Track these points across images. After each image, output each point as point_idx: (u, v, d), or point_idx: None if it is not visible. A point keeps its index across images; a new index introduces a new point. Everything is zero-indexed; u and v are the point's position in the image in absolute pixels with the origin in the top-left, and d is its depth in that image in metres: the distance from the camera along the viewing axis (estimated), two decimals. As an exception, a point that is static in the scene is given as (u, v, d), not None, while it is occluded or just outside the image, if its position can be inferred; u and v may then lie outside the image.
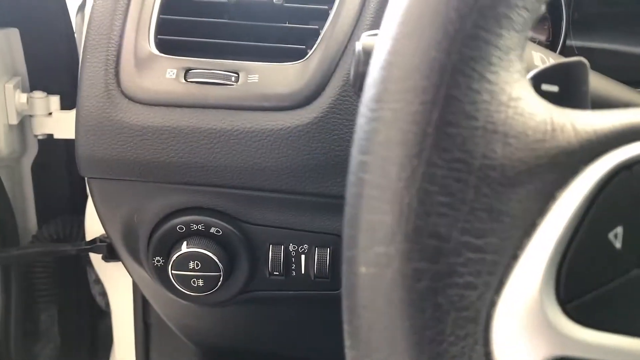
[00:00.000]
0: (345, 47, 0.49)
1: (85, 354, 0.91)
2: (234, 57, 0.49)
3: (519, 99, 0.22)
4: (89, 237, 0.77)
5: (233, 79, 0.48)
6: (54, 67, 0.77)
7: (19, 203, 0.81)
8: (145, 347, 0.78)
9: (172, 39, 0.50)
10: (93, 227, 0.77)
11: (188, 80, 0.48)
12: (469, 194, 0.21)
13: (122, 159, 0.48)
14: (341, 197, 0.45)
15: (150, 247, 0.50)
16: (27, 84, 0.76)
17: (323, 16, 0.51)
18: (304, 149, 0.48)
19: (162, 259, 0.50)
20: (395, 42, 0.22)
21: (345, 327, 0.22)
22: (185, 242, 0.49)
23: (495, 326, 0.21)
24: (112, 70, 0.48)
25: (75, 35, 0.79)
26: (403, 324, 0.21)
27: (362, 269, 0.21)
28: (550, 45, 0.60)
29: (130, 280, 0.77)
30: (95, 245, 0.75)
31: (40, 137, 0.76)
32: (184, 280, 0.49)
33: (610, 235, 0.21)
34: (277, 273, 0.51)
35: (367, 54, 0.33)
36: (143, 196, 0.50)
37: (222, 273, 0.49)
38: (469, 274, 0.21)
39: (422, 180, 0.21)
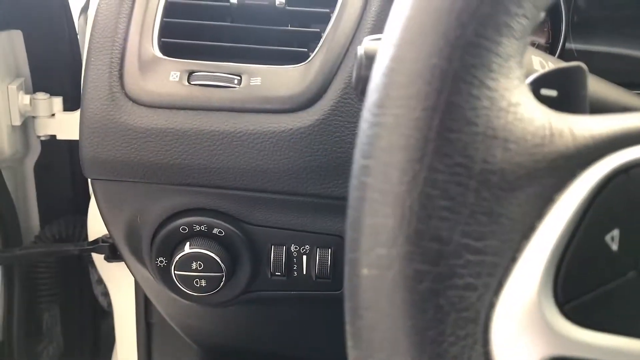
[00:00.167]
0: (347, 50, 0.49)
1: (87, 353, 0.92)
2: (237, 60, 0.50)
3: (518, 104, 0.22)
4: (91, 237, 0.78)
5: (236, 81, 0.49)
6: (56, 69, 0.77)
7: (21, 203, 0.82)
8: (147, 347, 0.79)
9: (175, 41, 0.51)
10: (95, 227, 0.77)
11: (191, 82, 0.49)
12: (470, 197, 0.21)
13: (125, 161, 0.48)
14: (343, 199, 0.46)
15: (153, 248, 0.51)
16: (30, 85, 0.77)
17: (325, 19, 0.51)
18: (306, 150, 0.48)
19: (165, 260, 0.51)
20: (397, 49, 0.22)
21: (348, 328, 0.23)
22: (188, 243, 0.50)
23: (494, 327, 0.22)
24: (116, 73, 0.49)
25: (78, 36, 0.80)
26: (404, 324, 0.21)
27: (365, 271, 0.22)
28: (550, 47, 0.61)
29: (132, 280, 0.78)
30: (98, 245, 0.76)
31: (43, 138, 0.77)
32: (187, 281, 0.50)
33: (607, 238, 0.22)
34: (279, 274, 0.52)
35: (369, 57, 0.34)
36: (146, 197, 0.50)
37: (224, 273, 0.50)
38: (469, 275, 0.21)
39: (423, 184, 0.21)
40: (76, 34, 0.79)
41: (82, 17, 0.80)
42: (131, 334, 0.79)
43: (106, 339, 0.90)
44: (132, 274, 0.59)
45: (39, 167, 0.82)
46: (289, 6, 0.53)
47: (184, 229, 0.50)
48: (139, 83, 0.49)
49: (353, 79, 0.35)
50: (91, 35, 0.50)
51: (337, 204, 0.50)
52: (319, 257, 0.51)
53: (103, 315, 0.90)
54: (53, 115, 0.76)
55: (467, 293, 0.21)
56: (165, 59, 0.49)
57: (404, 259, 0.21)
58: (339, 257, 0.51)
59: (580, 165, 0.22)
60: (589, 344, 0.21)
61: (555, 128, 0.22)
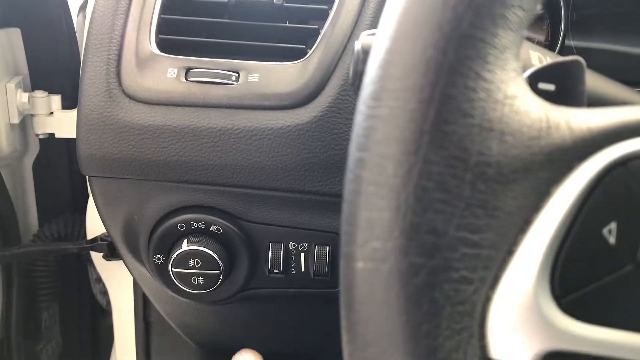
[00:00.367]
0: (345, 46, 0.49)
1: (86, 352, 0.91)
2: (235, 57, 0.50)
3: (514, 97, 0.22)
4: (90, 236, 0.78)
5: (233, 78, 0.48)
6: (55, 67, 0.77)
7: (20, 202, 0.82)
8: (145, 346, 0.78)
9: (173, 38, 0.51)
10: (94, 226, 0.77)
11: (189, 79, 0.48)
12: (465, 190, 0.21)
13: (123, 158, 0.48)
14: (340, 196, 0.45)
15: (150, 245, 0.51)
16: (29, 83, 0.77)
17: (323, 16, 0.51)
18: (304, 147, 0.48)
19: (162, 257, 0.51)
20: (392, 41, 0.22)
21: (343, 322, 0.22)
22: (185, 240, 0.49)
23: (490, 320, 0.22)
24: (114, 70, 0.49)
25: (77, 35, 0.80)
26: (399, 318, 0.21)
27: (360, 265, 0.22)
28: (549, 45, 0.61)
29: (131, 279, 0.78)
30: (97, 244, 0.76)
31: (41, 137, 0.77)
32: (185, 278, 0.50)
33: (605, 231, 0.22)
34: (277, 271, 0.52)
35: (366, 53, 0.33)
36: (144, 194, 0.50)
37: (222, 271, 0.49)
38: (465, 269, 0.21)
39: (418, 176, 0.21)
40: (75, 32, 0.79)
41: (80, 15, 0.80)
42: (130, 333, 0.79)
43: (105, 338, 0.89)
44: (130, 272, 0.59)
45: (37, 166, 0.82)
46: (286, 3, 0.53)
47: (182, 226, 0.50)
48: (136, 80, 0.48)
49: (350, 75, 0.35)
50: (88, 32, 0.50)
51: (335, 201, 0.50)
52: (317, 255, 0.51)
53: (102, 314, 0.89)
54: (51, 113, 0.75)
55: (462, 286, 0.21)
56: (162, 56, 0.49)
57: (399, 252, 0.21)
58: (337, 254, 0.51)
59: (577, 158, 0.22)
60: (586, 338, 0.21)
61: (552, 120, 0.22)
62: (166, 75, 0.48)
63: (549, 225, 0.22)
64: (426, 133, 0.21)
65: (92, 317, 0.91)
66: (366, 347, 0.21)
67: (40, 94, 0.74)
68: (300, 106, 0.48)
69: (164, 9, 0.51)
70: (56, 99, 0.75)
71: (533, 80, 0.26)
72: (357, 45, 0.34)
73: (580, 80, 0.28)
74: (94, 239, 0.76)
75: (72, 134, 0.72)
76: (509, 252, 0.22)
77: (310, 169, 0.48)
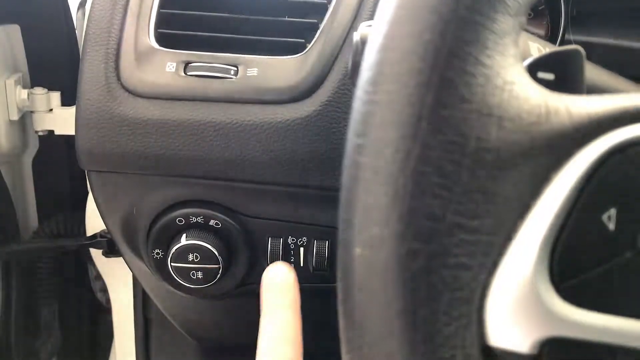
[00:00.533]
0: (344, 40, 0.49)
1: (86, 349, 0.91)
2: (234, 51, 0.50)
3: (513, 82, 0.22)
4: (89, 233, 0.78)
5: (232, 72, 0.48)
6: (54, 64, 0.77)
7: (19, 199, 0.82)
8: (145, 343, 0.78)
9: (172, 32, 0.50)
10: (94, 223, 0.77)
11: (188, 73, 0.48)
12: (464, 175, 0.21)
13: (121, 152, 0.48)
14: (340, 190, 0.45)
15: (149, 240, 0.51)
16: (28, 80, 0.77)
17: (322, 10, 0.51)
18: (303, 142, 0.48)
19: (161, 252, 0.50)
20: (390, 26, 0.22)
21: (340, 308, 0.22)
22: (184, 235, 0.49)
23: (489, 307, 0.21)
24: (112, 64, 0.49)
25: (76, 31, 0.80)
26: (397, 304, 0.21)
27: (357, 251, 0.21)
28: (549, 41, 0.61)
29: (130, 275, 0.78)
30: (96, 240, 0.76)
31: (40, 134, 0.76)
32: (183, 273, 0.50)
33: (604, 217, 0.21)
34: (276, 266, 0.51)
35: (365, 44, 0.33)
36: (142, 189, 0.50)
37: (221, 265, 0.49)
38: (463, 254, 0.21)
39: (416, 161, 0.21)
40: (74, 29, 0.79)
41: (80, 11, 0.79)
42: (129, 330, 0.79)
43: (105, 335, 0.89)
44: (129, 267, 0.59)
45: (37, 163, 0.82)
46: (286, -3, 0.53)
47: (181, 221, 0.50)
48: (135, 74, 0.48)
49: (349, 66, 0.35)
50: (87, 26, 0.50)
51: (334, 196, 0.49)
52: (316, 249, 0.51)
53: (101, 311, 0.89)
54: (51, 110, 0.75)
55: (461, 272, 0.21)
56: (161, 50, 0.49)
57: (396, 238, 0.21)
58: (336, 249, 0.51)
59: (577, 144, 0.22)
60: (585, 325, 0.21)
61: (552, 107, 0.22)
62: (165, 69, 0.48)
63: (548, 211, 0.21)
64: (424, 118, 0.21)
65: (91, 314, 0.91)
66: (363, 334, 0.21)
67: (39, 90, 0.74)
68: (299, 100, 0.48)
69: (162, 3, 0.51)
70: (55, 96, 0.75)
71: (532, 70, 0.26)
72: (356, 37, 0.34)
73: (579, 69, 0.28)
74: (94, 236, 0.76)
75: (72, 131, 0.71)
76: (508, 238, 0.21)
77: (309, 163, 0.48)
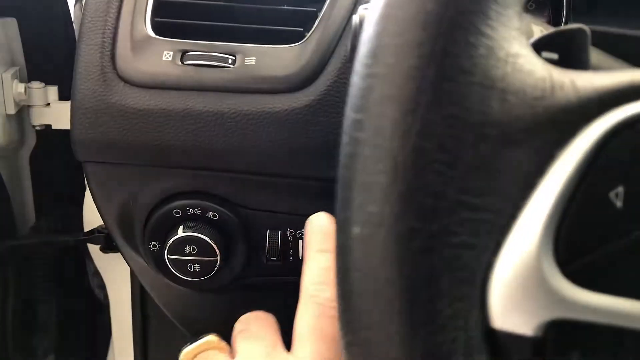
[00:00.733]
0: (344, 29, 0.48)
1: (83, 346, 0.91)
2: (231, 40, 0.49)
3: (517, 55, 0.21)
4: (87, 228, 0.77)
5: (230, 61, 0.48)
6: (52, 58, 0.77)
7: (16, 194, 0.81)
8: (143, 339, 0.78)
9: (168, 21, 0.50)
10: (91, 218, 0.76)
11: (184, 62, 0.47)
12: (466, 151, 0.20)
13: (117, 142, 0.47)
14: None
15: (146, 232, 0.50)
16: (25, 74, 0.76)
17: (321, -2, 0.50)
18: (302, 132, 0.47)
19: (158, 244, 0.50)
20: (390, -3, 0.21)
21: (337, 290, 0.21)
22: (181, 227, 0.48)
23: (492, 288, 0.21)
24: (108, 53, 0.48)
25: (74, 25, 0.79)
26: (396, 285, 0.20)
27: (355, 230, 0.21)
28: (552, 31, 0.60)
29: (128, 272, 0.77)
30: (94, 236, 0.75)
31: (38, 128, 0.76)
32: (180, 265, 0.49)
33: (611, 195, 0.21)
34: (275, 258, 0.51)
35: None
36: (139, 180, 0.49)
37: (218, 258, 0.49)
38: (465, 233, 0.20)
39: (417, 137, 0.20)
40: (72, 23, 0.78)
41: (77, 5, 0.79)
42: (127, 326, 0.78)
43: (102, 331, 0.89)
44: (126, 261, 0.58)
45: (34, 158, 0.81)
46: (284, -15, 0.52)
47: (177, 213, 0.49)
48: (131, 63, 0.48)
49: (348, 50, 0.34)
50: (83, 15, 0.49)
51: (334, 187, 0.49)
52: (315, 242, 0.50)
53: (99, 308, 0.89)
54: (48, 104, 0.75)
55: (463, 252, 0.20)
56: (158, 39, 0.48)
57: (396, 216, 0.20)
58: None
59: (583, 120, 0.21)
60: (591, 306, 0.20)
61: (557, 81, 0.21)
62: (162, 58, 0.48)
63: (553, 189, 0.21)
64: (425, 91, 0.20)
65: (89, 310, 0.90)
66: (362, 316, 0.20)
67: (36, 84, 0.74)
68: (298, 90, 0.47)
69: (159, -8, 0.50)
70: (53, 90, 0.74)
71: (536, 49, 0.25)
72: (355, 19, 0.33)
73: (584, 48, 0.27)
74: (91, 231, 0.75)
75: (69, 126, 0.71)
76: (512, 217, 0.21)
77: (308, 154, 0.48)
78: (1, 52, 0.72)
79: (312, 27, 0.49)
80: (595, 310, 0.20)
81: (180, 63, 0.47)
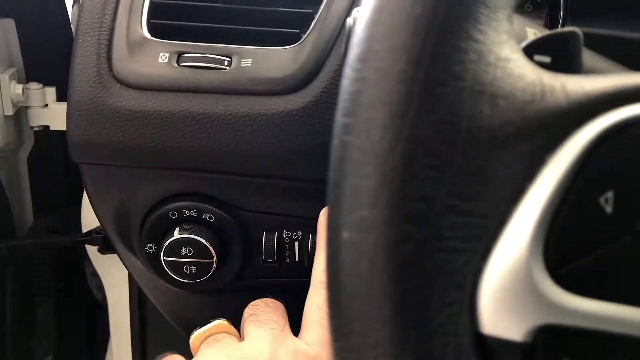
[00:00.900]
0: (340, 31, 0.48)
1: (82, 348, 0.91)
2: (228, 42, 0.49)
3: (507, 59, 0.21)
4: (85, 229, 0.77)
5: (226, 63, 0.48)
6: (50, 59, 0.77)
7: (15, 195, 0.81)
8: (141, 340, 0.78)
9: (165, 23, 0.50)
10: (90, 219, 0.76)
11: (181, 64, 0.47)
12: (456, 156, 0.20)
13: (113, 144, 0.47)
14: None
15: (142, 234, 0.50)
16: (23, 75, 0.76)
17: (317, 0, 0.50)
18: (298, 133, 0.47)
19: (154, 246, 0.50)
20: (380, 0, 0.21)
21: (327, 295, 0.21)
22: (177, 229, 0.48)
23: (482, 293, 0.21)
24: (104, 55, 0.48)
25: (72, 26, 0.79)
26: (386, 289, 0.20)
27: (345, 234, 0.21)
28: (549, 33, 0.60)
29: (126, 273, 0.77)
30: (92, 237, 0.75)
31: (36, 129, 0.76)
32: (177, 267, 0.49)
33: (601, 200, 0.21)
34: (271, 260, 0.51)
35: (358, 29, 0.32)
36: (135, 182, 0.49)
37: (215, 260, 0.49)
38: (455, 238, 0.20)
39: (406, 141, 0.20)
40: (70, 24, 0.79)
41: (75, 6, 0.79)
42: (125, 327, 0.78)
43: (101, 333, 0.89)
44: (123, 263, 0.58)
45: (32, 159, 0.81)
46: (281, -13, 0.52)
47: (174, 214, 0.49)
48: (127, 65, 0.48)
49: (342, 52, 0.34)
50: (79, 16, 0.49)
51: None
52: (312, 244, 0.50)
53: (98, 309, 0.89)
54: (46, 105, 0.75)
55: (453, 257, 0.20)
56: (154, 41, 0.48)
57: (386, 221, 0.20)
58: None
59: (573, 124, 0.21)
60: (581, 312, 0.20)
61: (547, 85, 0.21)
62: (158, 60, 0.48)
63: (543, 193, 0.21)
64: (415, 95, 0.20)
65: (88, 311, 0.90)
66: (352, 321, 0.20)
67: (34, 85, 0.73)
68: (294, 91, 0.47)
69: (155, -6, 0.50)
70: (51, 91, 0.74)
71: (528, 52, 0.25)
72: (349, 21, 0.33)
73: (577, 51, 0.27)
74: (89, 232, 0.75)
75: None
76: (501, 222, 0.21)
77: (304, 156, 0.48)
78: (-1, 53, 0.73)
79: (308, 29, 0.49)
80: (585, 315, 0.20)
81: (176, 65, 0.47)
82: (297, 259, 0.51)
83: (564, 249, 0.20)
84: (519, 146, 0.21)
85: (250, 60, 0.48)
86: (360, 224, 0.20)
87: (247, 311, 0.46)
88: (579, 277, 0.20)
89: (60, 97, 0.75)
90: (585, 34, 0.54)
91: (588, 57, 0.34)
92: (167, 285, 0.52)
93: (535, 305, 0.20)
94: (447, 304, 0.20)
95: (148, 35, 0.48)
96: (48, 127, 0.75)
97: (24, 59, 0.76)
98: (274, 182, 0.49)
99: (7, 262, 0.79)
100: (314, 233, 0.50)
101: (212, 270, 0.49)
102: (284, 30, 0.50)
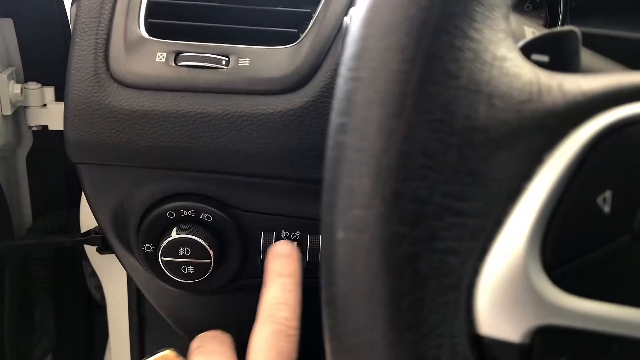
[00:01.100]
0: (338, 30, 0.48)
1: (81, 347, 0.90)
2: (225, 41, 0.49)
3: (504, 58, 0.21)
4: (84, 229, 0.77)
5: (224, 62, 0.47)
6: (48, 58, 0.76)
7: (13, 195, 0.81)
8: (140, 340, 0.77)
9: (162, 22, 0.50)
10: (88, 219, 0.76)
11: (178, 64, 0.47)
12: (451, 156, 0.20)
13: (111, 144, 0.47)
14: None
15: (140, 234, 0.50)
16: (22, 74, 0.76)
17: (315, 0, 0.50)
18: (296, 133, 0.47)
19: (152, 246, 0.49)
20: (374, 0, 0.21)
21: (322, 295, 0.21)
22: (175, 229, 0.48)
23: (478, 294, 0.20)
24: (102, 54, 0.48)
25: (71, 26, 0.79)
26: (381, 290, 0.20)
27: (340, 234, 0.20)
28: (548, 32, 0.59)
29: (125, 273, 0.77)
30: (90, 237, 0.75)
31: (34, 129, 0.76)
32: (174, 267, 0.49)
33: (599, 200, 0.20)
34: (269, 260, 0.50)
35: (355, 28, 0.32)
36: (133, 182, 0.49)
37: (212, 260, 0.48)
38: (451, 238, 0.20)
39: (401, 141, 0.20)
40: (69, 23, 0.78)
41: (74, 6, 0.78)
42: (124, 327, 0.78)
43: (100, 333, 0.88)
44: (121, 263, 0.58)
45: (31, 159, 0.81)
46: (279, -14, 0.52)
47: (171, 214, 0.49)
48: (124, 64, 0.47)
49: (339, 51, 0.34)
50: (76, 16, 0.49)
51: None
52: (310, 244, 0.50)
53: (97, 309, 0.89)
54: (45, 105, 0.75)
55: (448, 257, 0.20)
56: (151, 40, 0.48)
57: (380, 221, 0.20)
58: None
59: (570, 124, 0.21)
60: (579, 313, 0.20)
61: (544, 84, 0.21)
62: (155, 59, 0.47)
63: (540, 194, 0.20)
64: (410, 95, 0.20)
65: (86, 311, 0.90)
66: (346, 321, 0.20)
67: (33, 85, 0.73)
68: (292, 91, 0.47)
69: (153, -7, 0.50)
70: (49, 91, 0.74)
71: (526, 52, 0.25)
72: (347, 20, 0.33)
73: (575, 50, 0.27)
74: (88, 232, 0.75)
75: (64, 126, 0.71)
76: (498, 222, 0.20)
77: (302, 155, 0.47)
78: (-3, 52, 0.72)
79: (306, 28, 0.49)
80: (582, 316, 0.20)
81: (173, 64, 0.47)
82: (295, 259, 0.50)
83: (562, 249, 0.20)
84: (516, 146, 0.20)
85: (248, 59, 0.47)
86: (355, 224, 0.20)
87: (195, 343, 0.47)
88: (576, 278, 0.20)
89: (59, 96, 0.75)
90: (584, 34, 0.54)
91: (587, 56, 0.34)
92: (164, 285, 0.52)
93: (533, 306, 0.20)
94: (442, 304, 0.20)
95: (145, 35, 0.48)
96: (47, 127, 0.75)
97: (22, 59, 0.76)
98: (272, 182, 0.49)
99: (6, 262, 0.79)
100: (312, 233, 0.50)
101: (210, 271, 0.49)
102: (281, 29, 0.49)
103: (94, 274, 0.85)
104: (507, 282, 0.20)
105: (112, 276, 0.79)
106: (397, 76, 0.20)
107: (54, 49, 0.77)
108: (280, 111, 0.47)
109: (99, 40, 0.48)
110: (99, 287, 0.84)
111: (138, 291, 0.76)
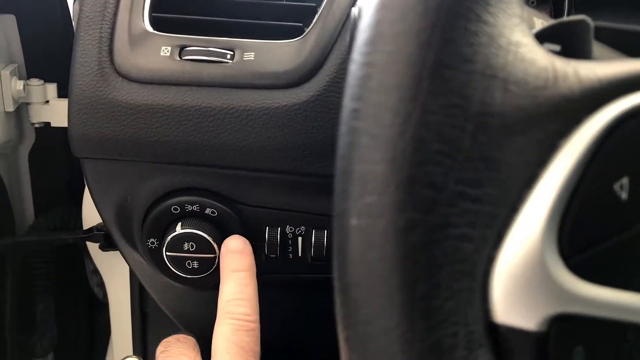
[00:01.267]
0: (343, 24, 0.47)
1: (83, 345, 0.90)
2: (230, 35, 0.48)
3: (519, 44, 0.21)
4: (86, 226, 0.77)
5: (228, 56, 0.47)
6: (51, 55, 0.76)
7: (15, 192, 0.81)
8: (142, 337, 0.77)
9: (167, 16, 0.49)
10: (91, 216, 0.76)
11: (183, 57, 0.47)
12: (466, 141, 0.20)
13: (115, 138, 0.47)
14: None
15: (144, 229, 0.49)
16: (24, 71, 0.75)
17: (321, -7, 0.50)
18: (301, 128, 0.47)
19: (156, 241, 0.49)
20: (388, -16, 0.20)
21: (335, 284, 0.21)
22: (179, 223, 0.48)
23: (494, 282, 0.20)
24: (106, 48, 0.48)
25: (73, 22, 0.78)
26: (394, 277, 0.19)
27: (353, 221, 0.20)
28: (553, 27, 0.59)
29: (127, 270, 0.77)
30: (93, 234, 0.74)
31: (37, 125, 0.75)
32: (179, 262, 0.48)
33: (616, 187, 0.20)
34: (274, 256, 0.50)
35: (364, 18, 0.32)
36: (137, 177, 0.49)
37: (217, 255, 0.48)
38: (465, 225, 0.20)
39: (416, 126, 0.19)
40: (71, 20, 0.78)
41: (76, 3, 0.78)
42: (126, 325, 0.78)
43: (102, 330, 0.88)
44: (124, 259, 0.57)
45: (33, 155, 0.81)
46: (284, -19, 0.51)
47: (176, 209, 0.49)
48: (129, 58, 0.47)
49: (347, 43, 0.33)
50: (80, 9, 0.49)
51: (333, 183, 0.48)
52: (315, 239, 0.50)
53: (99, 306, 0.88)
54: (47, 102, 0.74)
55: (463, 244, 0.20)
56: (156, 34, 0.48)
57: (394, 208, 0.19)
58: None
59: (587, 110, 0.21)
60: (596, 300, 0.20)
61: (560, 70, 0.21)
62: (160, 53, 0.47)
63: (556, 180, 0.20)
64: (425, 79, 0.19)
65: (88, 309, 0.89)
66: (359, 310, 0.20)
67: (35, 82, 0.73)
68: (297, 85, 0.47)
69: (158, -13, 0.50)
70: (52, 87, 0.74)
71: (538, 41, 0.25)
72: (354, 11, 0.33)
73: (587, 40, 0.26)
74: (90, 229, 0.75)
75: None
76: (513, 209, 0.20)
77: (307, 150, 0.47)
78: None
79: (311, 22, 0.48)
80: (599, 304, 0.20)
81: (178, 58, 0.47)
82: (300, 255, 0.50)
83: (578, 237, 0.20)
84: (531, 132, 0.20)
85: (253, 53, 0.47)
86: (369, 211, 0.20)
87: (159, 348, 0.48)
88: (593, 265, 0.20)
89: (62, 93, 0.74)
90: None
91: (597, 48, 0.33)
92: (168, 281, 0.52)
93: (550, 293, 0.20)
94: (456, 292, 0.20)
95: (150, 29, 0.48)
96: (49, 123, 0.75)
97: (24, 55, 0.75)
98: (277, 177, 0.48)
99: (7, 260, 0.78)
100: (318, 228, 0.50)
101: (214, 266, 0.49)
102: (287, 23, 0.49)
103: (95, 272, 0.84)
104: (523, 269, 0.20)
105: (115, 273, 0.79)
106: (412, 60, 0.19)
107: (57, 45, 0.77)
108: (285, 105, 0.46)
109: (103, 35, 0.48)
110: (101, 285, 0.84)
111: (140, 288, 0.76)
